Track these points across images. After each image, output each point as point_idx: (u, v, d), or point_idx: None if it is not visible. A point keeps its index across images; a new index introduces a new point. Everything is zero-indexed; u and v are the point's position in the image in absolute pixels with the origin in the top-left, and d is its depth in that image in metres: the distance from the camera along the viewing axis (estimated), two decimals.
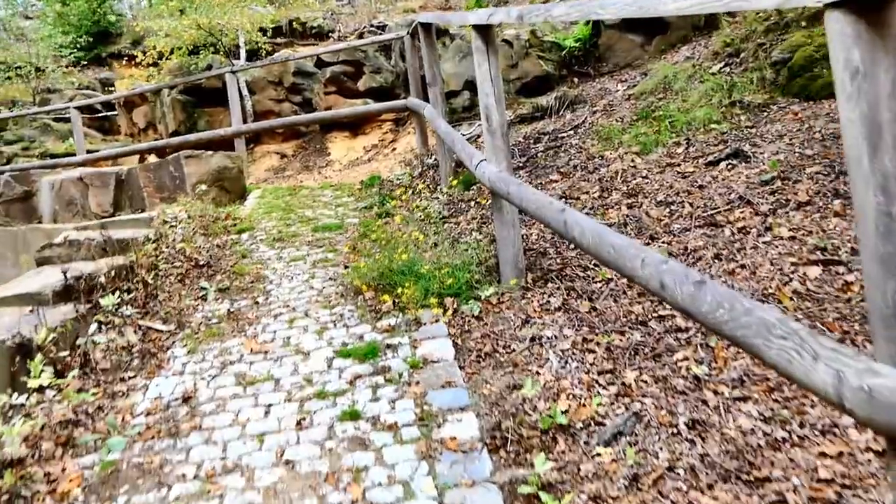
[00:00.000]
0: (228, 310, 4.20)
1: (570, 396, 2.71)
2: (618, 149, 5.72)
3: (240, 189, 7.57)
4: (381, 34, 12.13)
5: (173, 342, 3.81)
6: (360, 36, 13.24)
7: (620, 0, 2.19)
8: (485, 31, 3.85)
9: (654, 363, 2.84)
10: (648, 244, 3.88)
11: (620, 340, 3.06)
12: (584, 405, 2.64)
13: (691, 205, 4.19)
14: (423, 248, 4.47)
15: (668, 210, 4.27)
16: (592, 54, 8.85)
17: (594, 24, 8.70)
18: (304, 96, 10.49)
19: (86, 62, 15.42)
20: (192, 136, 9.69)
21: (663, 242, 3.87)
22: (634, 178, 5.01)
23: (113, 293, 4.08)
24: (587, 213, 4.65)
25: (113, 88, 13.30)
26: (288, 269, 4.89)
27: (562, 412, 2.58)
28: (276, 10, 13.60)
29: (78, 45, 15.03)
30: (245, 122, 10.08)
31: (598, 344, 3.07)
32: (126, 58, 14.96)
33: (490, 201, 4.16)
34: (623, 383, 2.74)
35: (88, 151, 10.91)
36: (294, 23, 14.22)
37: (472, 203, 5.57)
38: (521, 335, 3.29)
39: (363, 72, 10.23)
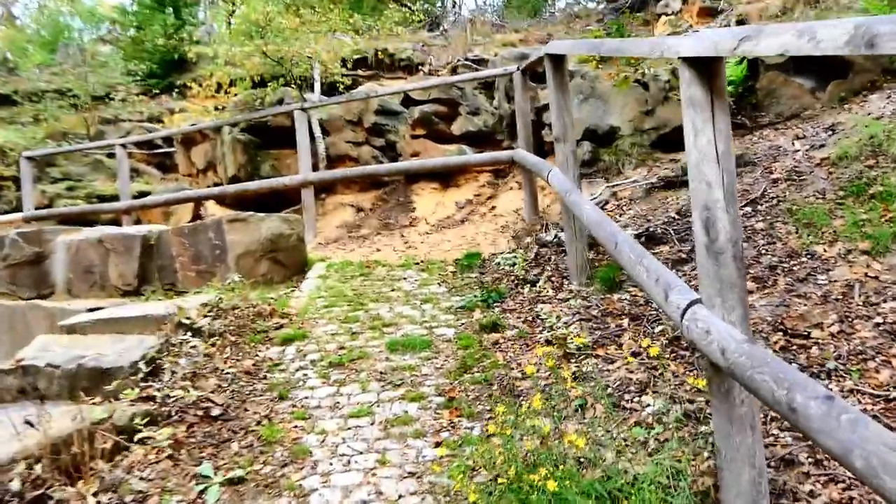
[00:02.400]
0: None
1: None
2: (833, 242, 3.71)
3: (298, 262, 5.81)
4: (479, 69, 10.38)
5: None
6: (454, 70, 11.64)
7: None
8: (709, 68, 1.91)
9: None
10: None
11: None
12: None
13: None
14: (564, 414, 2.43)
15: None
16: (747, 100, 6.69)
17: (751, 63, 6.54)
18: (386, 139, 8.80)
19: (157, 91, 14.59)
20: (253, 185, 8.14)
21: None
22: (884, 299, 2.93)
23: None
24: (852, 388, 2.54)
25: (163, 123, 12.11)
26: (344, 435, 2.96)
27: None
28: (362, 41, 12.26)
29: (152, 73, 14.23)
30: (316, 168, 8.47)
31: None
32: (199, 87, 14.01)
33: (707, 376, 2.08)
34: None
35: (140, 194, 9.66)
36: (380, 53, 12.78)
37: (626, 321, 3.50)
38: None
39: (458, 113, 8.44)
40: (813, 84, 6.28)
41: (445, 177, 8.27)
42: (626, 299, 3.80)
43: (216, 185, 9.72)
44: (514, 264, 4.84)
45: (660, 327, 3.34)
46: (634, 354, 3.17)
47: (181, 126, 9.81)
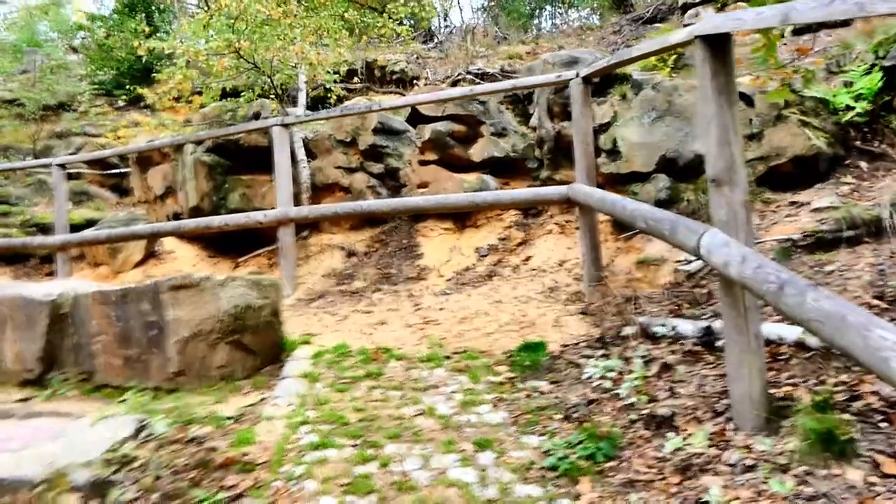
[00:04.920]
0: None
1: None
2: None
3: (272, 346, 3.99)
4: (479, 82, 8.78)
5: None
6: (454, 84, 10.06)
7: None
8: None
9: None
10: None
11: None
12: None
13: None
14: None
15: None
16: (885, 122, 5.08)
17: (889, 73, 4.96)
18: (387, 165, 7.05)
19: (124, 102, 12.78)
20: (217, 220, 6.30)
21: None
22: None
23: None
24: None
25: (121, 139, 10.29)
26: None
27: None
28: (350, 52, 10.62)
29: (119, 83, 12.48)
30: (298, 198, 6.69)
31: None
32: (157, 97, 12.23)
33: None
34: None
35: (88, 223, 7.76)
36: (372, 65, 11.09)
37: None
38: None
39: (479, 133, 6.73)
40: None
41: (461, 214, 6.53)
42: (876, 483, 2.08)
43: (176, 215, 7.87)
44: (615, 376, 3.08)
45: None
46: None
47: (130, 143, 7.95)
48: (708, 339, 3.12)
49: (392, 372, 3.59)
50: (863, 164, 4.97)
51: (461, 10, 28.71)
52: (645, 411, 2.75)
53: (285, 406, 3.21)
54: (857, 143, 5.14)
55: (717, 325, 3.11)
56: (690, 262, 4.11)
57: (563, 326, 3.90)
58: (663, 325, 3.27)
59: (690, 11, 11.27)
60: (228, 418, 3.09)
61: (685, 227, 2.74)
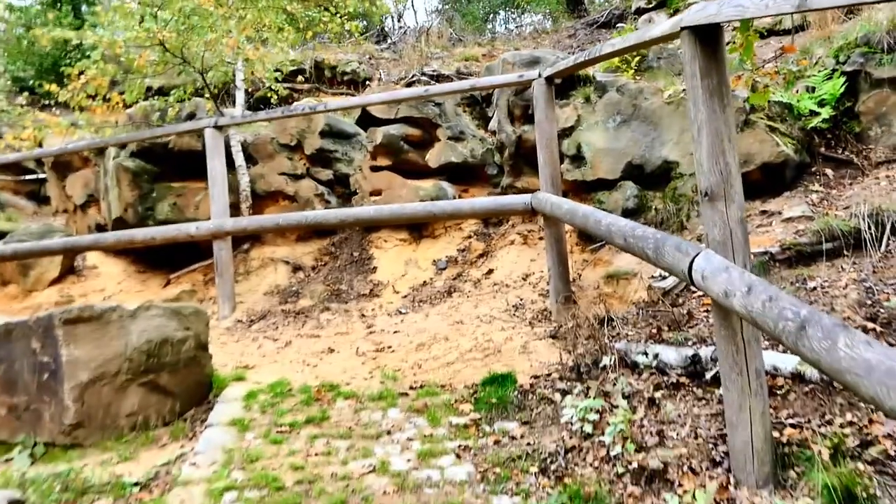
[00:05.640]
0: None
1: None
2: None
3: (197, 385, 3.41)
4: (431, 83, 8.36)
5: None
6: (409, 86, 9.62)
7: None
8: None
9: None
10: None
11: None
12: None
13: None
14: None
15: None
16: (848, 128, 4.90)
17: (850, 78, 4.78)
18: (336, 171, 6.51)
19: (51, 102, 11.77)
20: (141, 234, 5.63)
21: None
22: None
23: None
24: None
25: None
26: None
27: None
28: (297, 51, 10.05)
29: (41, 81, 11.48)
30: (237, 208, 6.09)
31: None
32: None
33: None
34: None
35: None
36: (321, 65, 10.54)
37: None
38: None
39: (436, 137, 6.27)
40: None
41: (417, 224, 6.05)
42: None
43: (100, 226, 7.13)
44: (596, 418, 2.66)
45: None
46: None
47: (37, 148, 7.16)
48: (695, 369, 2.75)
49: (339, 415, 3.08)
50: (829, 172, 4.75)
51: (415, 12, 28.23)
52: (633, 463, 2.34)
53: (207, 465, 2.66)
54: (822, 149, 4.93)
55: (704, 352, 2.74)
56: (665, 277, 3.77)
57: (531, 353, 3.47)
58: (644, 354, 2.87)
59: (644, 16, 11.21)
60: (134, 485, 2.52)
61: (674, 248, 2.32)
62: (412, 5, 25.14)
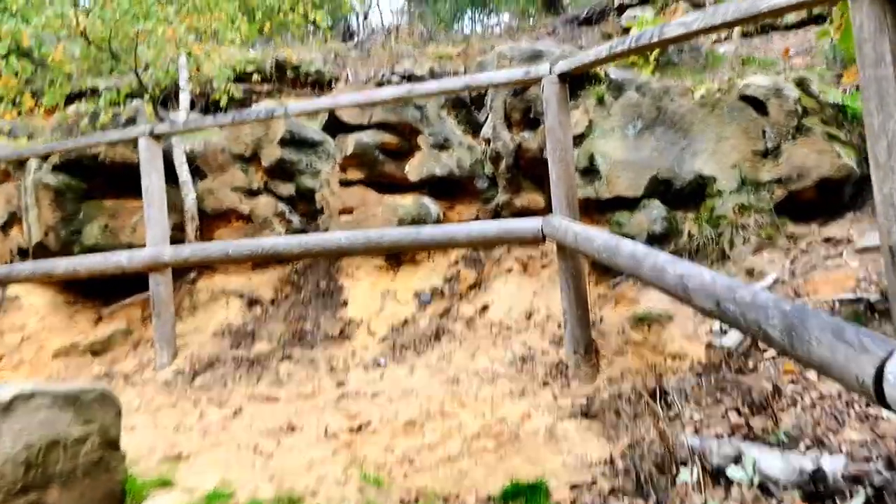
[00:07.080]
0: None
1: None
2: None
3: (103, 500, 2.46)
4: (412, 84, 7.48)
5: None
6: (380, 86, 8.75)
7: None
8: None
9: None
10: None
11: None
12: None
13: None
14: None
15: None
16: None
17: None
18: (299, 185, 5.56)
19: None
20: (63, 265, 4.62)
21: None
22: None
23: None
24: None
25: None
26: None
27: None
28: (257, 49, 9.08)
29: None
30: (181, 230, 5.12)
31: None
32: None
33: None
34: None
35: None
36: (283, 65, 9.53)
37: None
38: None
39: (416, 145, 5.38)
40: None
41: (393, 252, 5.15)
42: None
43: (22, 251, 6.04)
44: None
45: None
46: None
47: None
48: (815, 490, 1.94)
49: None
50: None
51: (381, 12, 27.27)
52: None
53: None
54: None
55: (829, 464, 1.93)
56: (726, 331, 2.96)
57: (561, 441, 2.61)
58: (736, 462, 2.05)
59: (627, 13, 10.59)
60: None
61: (832, 334, 1.45)
62: (377, 5, 24.20)
